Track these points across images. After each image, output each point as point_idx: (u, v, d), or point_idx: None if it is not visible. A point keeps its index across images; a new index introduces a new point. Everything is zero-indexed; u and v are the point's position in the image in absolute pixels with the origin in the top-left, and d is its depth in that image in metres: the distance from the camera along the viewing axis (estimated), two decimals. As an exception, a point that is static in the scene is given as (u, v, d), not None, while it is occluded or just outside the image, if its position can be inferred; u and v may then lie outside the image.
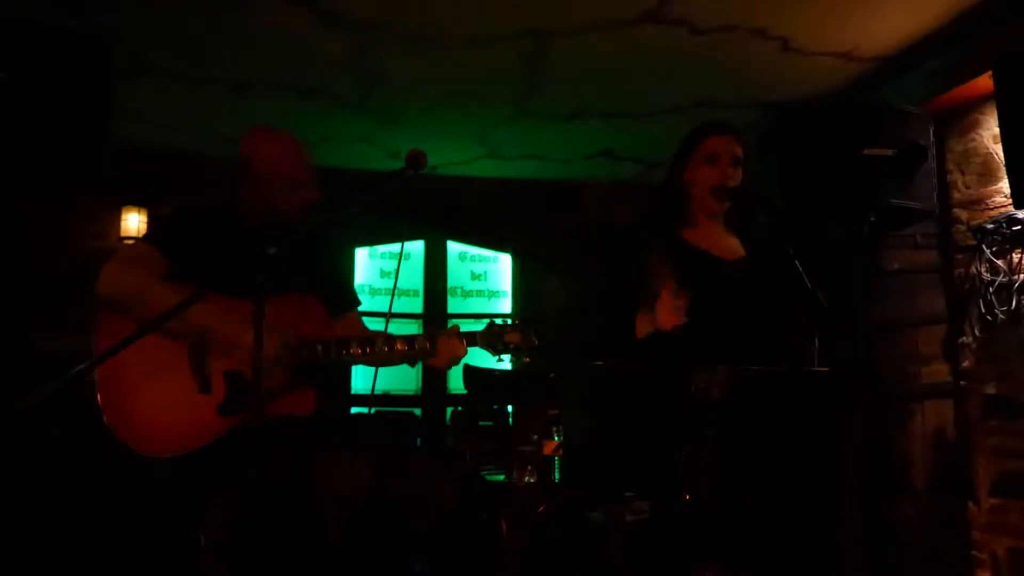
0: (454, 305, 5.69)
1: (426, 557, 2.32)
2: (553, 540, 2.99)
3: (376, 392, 2.54)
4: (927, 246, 3.75)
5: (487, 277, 5.85)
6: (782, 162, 3.25)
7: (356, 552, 2.07)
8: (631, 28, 3.31)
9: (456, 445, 3.99)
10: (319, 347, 2.16)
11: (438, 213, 5.41)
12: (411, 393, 5.40)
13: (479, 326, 2.29)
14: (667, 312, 2.22)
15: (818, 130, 3.14)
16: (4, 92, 2.66)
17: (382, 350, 2.21)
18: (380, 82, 3.90)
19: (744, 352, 2.28)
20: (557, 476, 3.37)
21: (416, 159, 2.16)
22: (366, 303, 5.30)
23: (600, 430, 2.61)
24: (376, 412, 4.65)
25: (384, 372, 2.51)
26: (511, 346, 2.26)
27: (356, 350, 2.19)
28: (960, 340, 3.68)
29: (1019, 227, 3.37)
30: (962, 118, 3.72)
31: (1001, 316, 3.42)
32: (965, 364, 3.65)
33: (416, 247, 5.67)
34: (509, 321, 2.28)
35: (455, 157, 5.06)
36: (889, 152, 2.99)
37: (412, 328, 5.54)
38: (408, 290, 5.58)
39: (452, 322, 5.58)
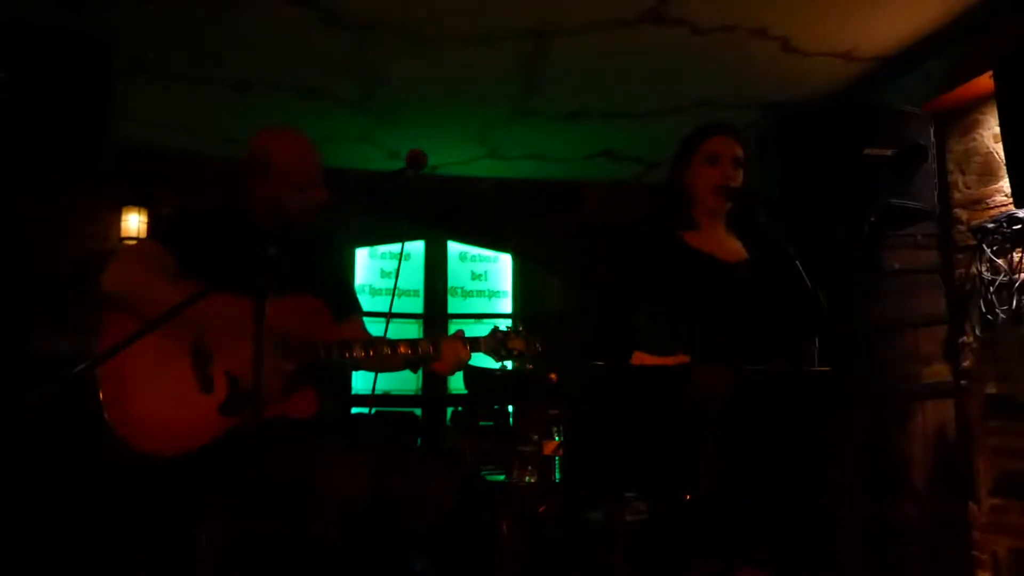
0: (454, 305, 5.69)
1: (426, 557, 2.32)
2: (553, 540, 2.99)
3: (376, 392, 2.53)
4: (928, 246, 3.75)
5: (487, 277, 5.85)
6: (782, 162, 3.24)
7: (356, 552, 2.07)
8: (631, 28, 3.31)
9: (456, 445, 3.99)
10: (322, 349, 2.16)
11: (438, 213, 5.41)
12: (411, 393, 5.40)
13: (480, 326, 2.29)
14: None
15: (818, 130, 3.14)
16: (4, 92, 2.66)
17: (385, 353, 2.20)
18: (380, 82, 3.90)
19: (745, 352, 2.28)
20: (557, 476, 3.37)
21: (416, 159, 2.16)
22: (366, 303, 5.30)
23: (600, 430, 2.60)
24: (376, 412, 4.65)
25: (385, 373, 2.51)
26: (515, 352, 2.26)
27: (359, 352, 2.19)
28: (961, 340, 3.67)
29: (1020, 226, 3.36)
30: (962, 118, 3.72)
31: (1002, 316, 3.41)
32: (966, 364, 3.64)
33: (416, 247, 5.67)
34: (510, 324, 2.28)
35: (455, 157, 5.06)
36: (889, 152, 2.99)
37: (413, 328, 5.54)
38: (408, 290, 5.58)
39: (452, 322, 5.60)
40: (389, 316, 2.51)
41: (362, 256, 5.57)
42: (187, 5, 3.14)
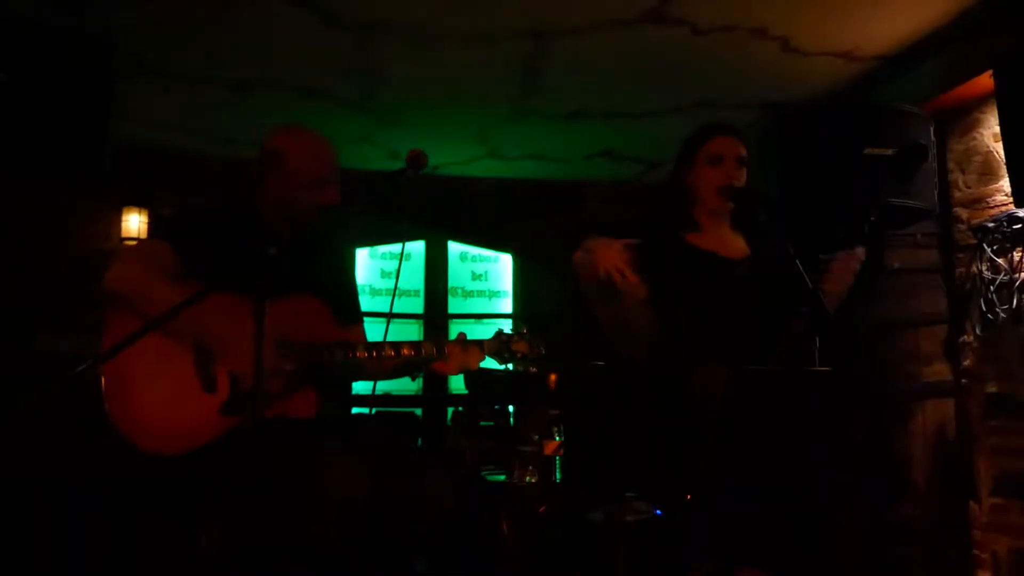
0: (455, 305, 5.69)
1: (427, 557, 2.32)
2: (553, 540, 2.99)
3: (377, 393, 2.53)
4: (928, 245, 3.74)
5: (488, 277, 5.85)
6: (782, 162, 3.24)
7: (356, 552, 2.07)
8: (631, 28, 3.31)
9: (457, 445, 3.99)
10: (324, 350, 2.16)
11: (439, 213, 5.41)
12: (412, 394, 5.40)
13: (480, 326, 2.29)
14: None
15: (818, 130, 3.14)
16: (4, 92, 2.66)
17: (388, 355, 2.20)
18: (380, 82, 3.90)
19: (746, 352, 2.28)
20: (558, 476, 3.37)
21: (417, 159, 2.16)
22: (367, 303, 5.31)
23: (601, 430, 2.61)
24: (377, 412, 4.65)
25: (385, 380, 2.51)
26: (518, 355, 2.25)
27: (362, 354, 2.18)
28: (961, 339, 3.67)
29: (1020, 226, 3.36)
30: (962, 117, 3.72)
31: (1002, 315, 3.41)
32: (966, 363, 3.64)
33: (417, 247, 5.67)
34: (512, 326, 2.28)
35: (456, 157, 5.06)
36: (889, 152, 2.99)
37: (413, 328, 5.54)
38: (409, 290, 5.59)
39: (453, 322, 5.60)
40: (390, 316, 2.50)
41: (362, 256, 5.57)
42: (187, 5, 3.14)
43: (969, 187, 3.70)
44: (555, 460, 3.38)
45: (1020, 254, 3.37)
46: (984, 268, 3.52)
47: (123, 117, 4.00)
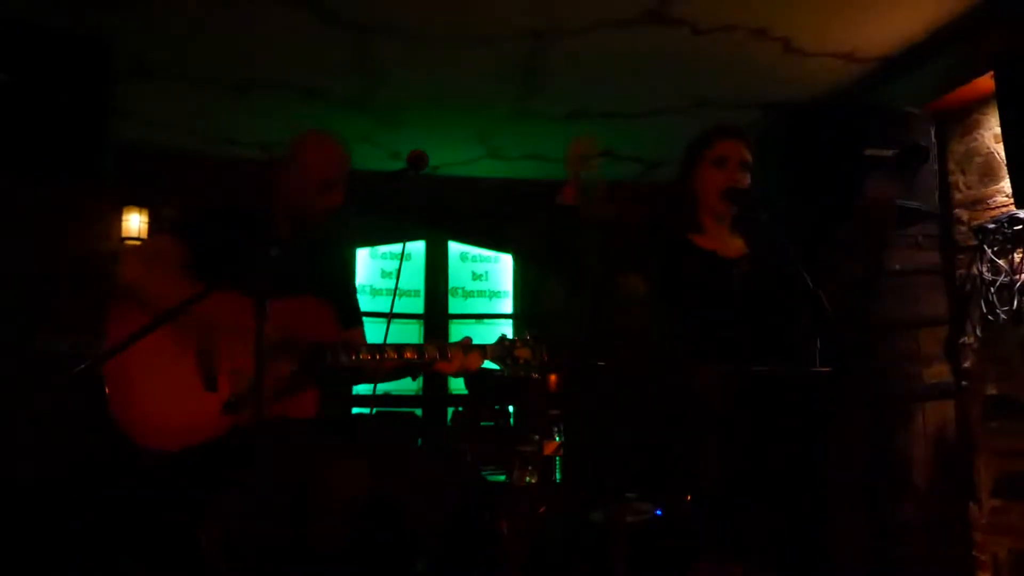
0: (455, 305, 5.68)
1: (427, 558, 2.32)
2: (554, 541, 2.99)
3: (377, 393, 2.53)
4: (928, 246, 3.74)
5: (488, 277, 5.85)
6: (783, 162, 3.24)
7: (357, 552, 2.07)
8: (632, 28, 3.31)
9: (457, 445, 3.99)
10: (327, 350, 2.16)
11: (439, 213, 5.40)
12: (412, 394, 5.40)
13: (481, 326, 2.30)
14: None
15: (819, 131, 3.14)
16: (4, 92, 2.66)
17: (390, 357, 2.20)
18: (381, 82, 3.90)
19: (748, 353, 2.28)
20: (558, 476, 3.37)
21: (417, 160, 2.17)
22: (367, 303, 5.27)
23: (601, 430, 2.61)
24: (377, 412, 4.65)
25: (385, 382, 2.51)
26: (520, 361, 2.25)
27: (365, 355, 2.19)
28: (961, 340, 3.67)
29: (1020, 227, 3.36)
30: (963, 118, 3.71)
31: (1003, 316, 3.41)
32: (967, 364, 3.64)
33: (417, 247, 5.67)
34: (514, 333, 2.28)
35: (456, 157, 5.06)
36: (890, 152, 2.99)
37: (413, 328, 5.54)
38: (409, 290, 5.58)
39: (453, 323, 5.60)
40: (390, 316, 2.51)
41: (363, 256, 5.56)
42: (187, 5, 3.14)
43: (970, 188, 3.70)
44: (555, 460, 3.38)
45: (1021, 255, 3.37)
46: (985, 269, 3.51)
47: (123, 117, 4.01)
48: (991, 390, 3.48)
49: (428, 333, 5.51)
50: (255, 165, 4.91)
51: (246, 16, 3.21)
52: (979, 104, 3.60)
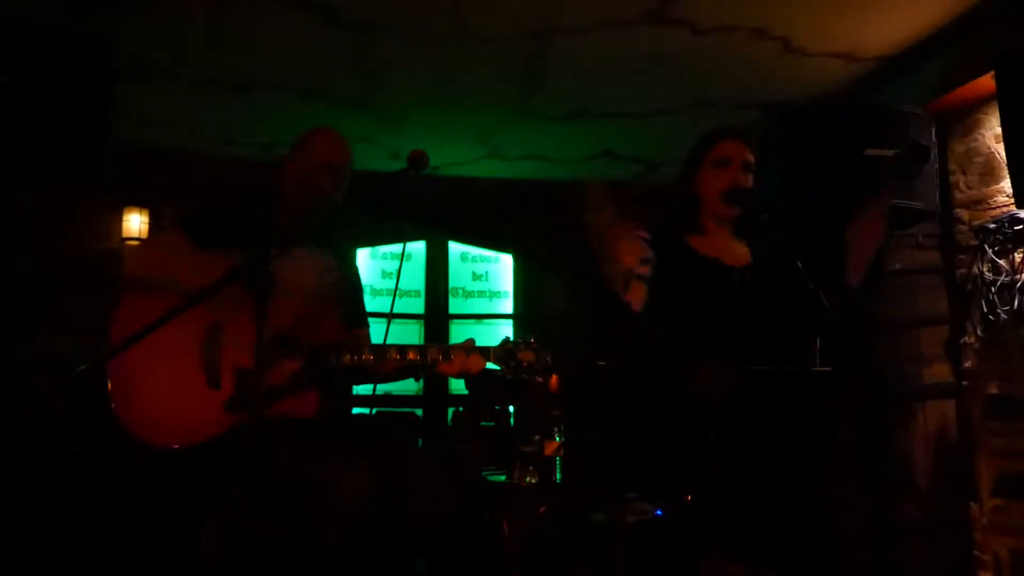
0: (455, 306, 5.68)
1: (427, 558, 2.32)
2: (554, 541, 2.99)
3: (378, 393, 2.54)
4: (929, 246, 3.74)
5: (488, 278, 5.84)
6: (783, 162, 3.24)
7: (357, 552, 2.07)
8: (632, 28, 3.31)
9: (457, 446, 3.98)
10: (331, 351, 2.16)
11: (440, 213, 5.40)
12: (413, 394, 5.40)
13: (481, 327, 2.30)
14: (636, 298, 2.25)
15: (820, 131, 3.13)
16: (4, 92, 2.66)
17: (394, 358, 2.20)
18: (381, 82, 3.90)
19: (748, 354, 2.28)
20: (559, 477, 3.37)
21: (418, 160, 2.18)
22: (367, 304, 5.29)
23: (602, 430, 2.60)
24: (377, 413, 4.65)
25: (388, 383, 2.52)
26: (524, 364, 2.25)
27: (368, 356, 2.19)
28: (962, 340, 3.67)
29: (1021, 227, 3.36)
30: (964, 118, 3.71)
31: (1003, 316, 3.41)
32: (967, 364, 3.64)
33: (418, 247, 5.67)
34: (516, 336, 2.28)
35: (456, 158, 5.06)
36: (891, 152, 2.99)
37: (414, 328, 5.54)
38: (410, 291, 5.58)
39: (453, 323, 5.60)
40: (390, 316, 2.51)
41: (363, 256, 5.56)
42: (187, 5, 3.14)
43: (970, 188, 3.70)
44: (556, 460, 3.38)
45: (1021, 255, 3.37)
46: (985, 269, 3.51)
47: (123, 117, 4.00)
48: (992, 390, 3.48)
49: (428, 333, 5.51)
50: (255, 165, 4.91)
51: (246, 16, 3.21)
52: (980, 104, 3.60)
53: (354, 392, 2.56)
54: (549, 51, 3.54)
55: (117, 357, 2.04)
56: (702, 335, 2.32)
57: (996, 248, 3.48)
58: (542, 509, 3.08)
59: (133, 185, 4.64)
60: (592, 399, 2.77)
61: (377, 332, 2.46)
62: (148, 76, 3.75)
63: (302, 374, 2.14)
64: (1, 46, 2.70)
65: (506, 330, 5.63)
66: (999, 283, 3.44)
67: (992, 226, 3.49)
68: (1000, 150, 3.45)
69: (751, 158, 2.46)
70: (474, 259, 5.84)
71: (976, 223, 3.61)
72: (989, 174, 3.59)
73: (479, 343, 2.27)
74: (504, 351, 2.26)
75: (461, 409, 4.76)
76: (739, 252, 2.49)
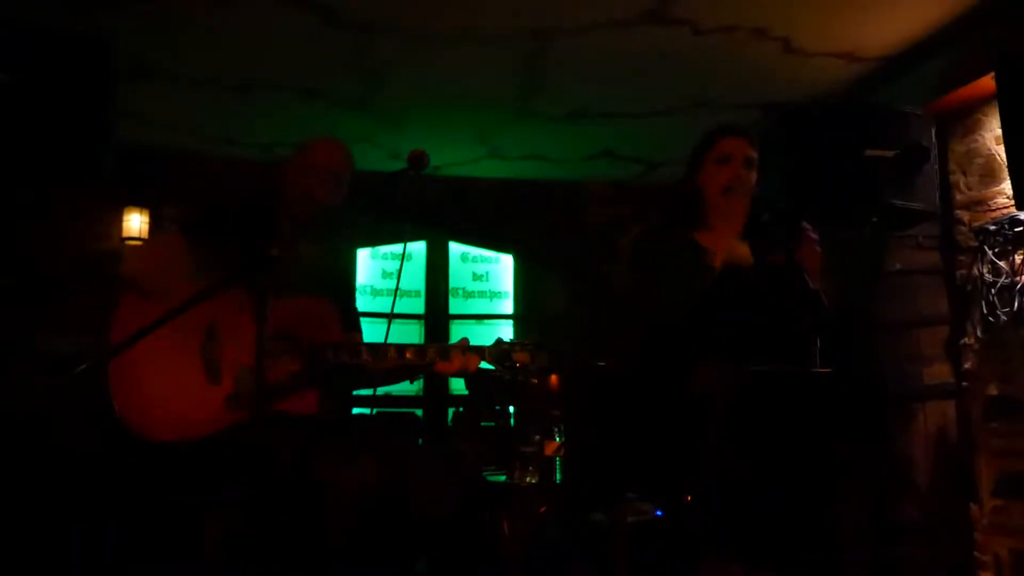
0: (456, 306, 5.68)
1: (428, 558, 2.32)
2: (554, 541, 2.99)
3: (378, 393, 2.55)
4: (929, 247, 3.74)
5: (489, 278, 5.84)
6: (783, 163, 3.24)
7: (358, 552, 2.07)
8: (632, 28, 3.31)
9: (458, 446, 3.98)
10: (329, 350, 2.17)
11: (440, 214, 5.40)
12: (413, 394, 5.40)
13: (482, 327, 2.31)
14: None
15: (820, 131, 3.13)
16: (4, 92, 2.66)
17: (390, 356, 2.21)
18: (381, 82, 3.89)
19: (749, 354, 2.28)
20: (559, 477, 3.37)
21: (418, 160, 2.18)
22: (368, 304, 5.28)
23: (602, 430, 2.60)
24: (378, 412, 4.65)
25: (384, 387, 2.52)
26: (518, 364, 2.26)
27: (367, 355, 2.19)
28: (962, 341, 3.67)
29: (1021, 228, 3.36)
30: (964, 119, 3.71)
31: (1003, 317, 3.41)
32: (967, 365, 3.64)
33: (418, 248, 5.66)
34: (512, 332, 2.29)
35: (456, 158, 5.06)
36: (891, 153, 2.99)
37: (414, 329, 5.54)
38: (410, 291, 5.58)
39: (454, 323, 5.59)
40: (391, 317, 2.51)
41: (363, 256, 5.56)
42: (187, 5, 3.14)
43: (970, 189, 3.70)
44: (556, 460, 3.38)
45: (1021, 257, 3.37)
46: (985, 270, 3.51)
47: (123, 117, 4.00)
48: (992, 391, 3.48)
49: (429, 334, 5.51)
50: (255, 165, 4.91)
51: (246, 16, 3.20)
52: (980, 105, 3.60)
53: (354, 392, 2.57)
54: (549, 51, 3.54)
55: (118, 356, 2.05)
56: (705, 333, 2.33)
57: (996, 249, 3.48)
58: (542, 509, 3.08)
59: (133, 185, 4.64)
60: (592, 399, 2.77)
61: (377, 332, 2.46)
62: (148, 76, 3.75)
63: (301, 373, 2.14)
64: (1, 46, 2.70)
65: (506, 330, 5.63)
66: (999, 284, 3.44)
67: (992, 227, 3.49)
68: (1000, 151, 3.45)
69: (753, 154, 2.47)
70: (474, 259, 5.84)
71: (976, 224, 3.61)
72: (989, 175, 3.59)
73: (480, 344, 2.27)
74: (499, 351, 2.27)
75: (461, 409, 4.76)
76: (743, 252, 2.49)
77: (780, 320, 2.36)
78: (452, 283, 5.69)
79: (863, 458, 3.35)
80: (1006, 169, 3.26)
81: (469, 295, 5.75)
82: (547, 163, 5.17)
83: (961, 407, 3.64)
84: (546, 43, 3.47)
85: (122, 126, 3.80)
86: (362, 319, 2.59)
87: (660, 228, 2.55)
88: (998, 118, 3.20)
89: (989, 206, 3.58)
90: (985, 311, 3.50)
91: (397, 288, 2.78)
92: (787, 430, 2.24)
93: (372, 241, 5.51)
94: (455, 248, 5.76)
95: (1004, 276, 3.42)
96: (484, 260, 5.85)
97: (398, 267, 2.80)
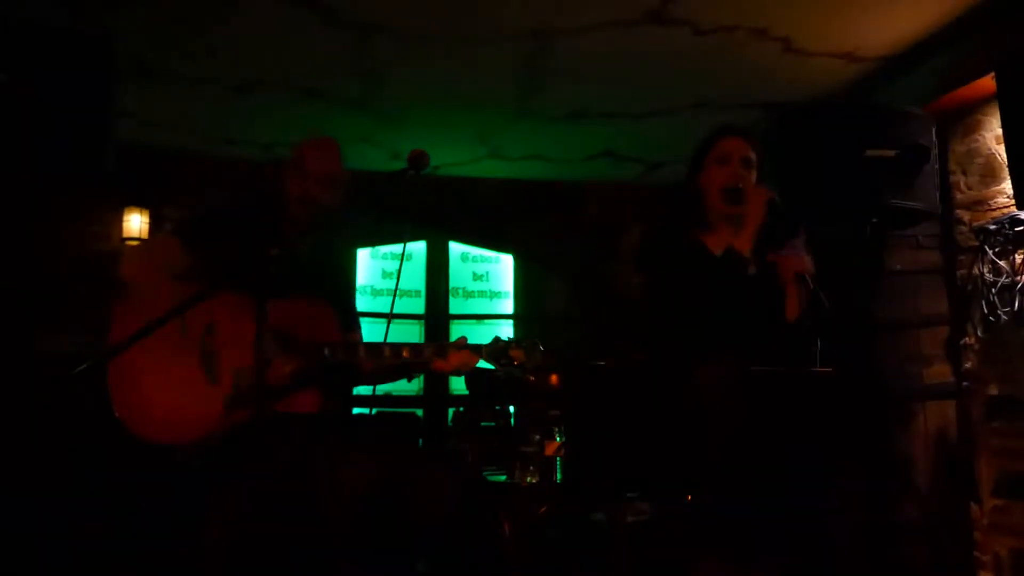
0: (456, 306, 5.68)
1: (428, 558, 2.32)
2: (555, 541, 2.99)
3: (378, 393, 2.55)
4: (929, 247, 3.74)
5: (489, 278, 5.84)
6: (784, 163, 3.24)
7: (358, 552, 2.07)
8: (633, 28, 3.31)
9: (458, 446, 3.98)
10: (327, 350, 2.17)
11: (440, 214, 5.40)
12: (413, 394, 5.40)
13: (482, 327, 2.31)
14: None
15: (820, 131, 3.13)
16: (4, 92, 2.66)
17: (388, 356, 2.21)
18: (381, 82, 3.90)
19: (750, 353, 2.28)
20: (559, 477, 3.37)
21: (418, 160, 2.18)
22: (368, 304, 5.28)
23: (602, 430, 2.60)
24: (378, 413, 4.65)
25: (383, 384, 2.53)
26: (515, 362, 2.26)
27: (364, 354, 2.20)
28: (963, 341, 3.67)
29: (1022, 228, 3.36)
30: (964, 119, 3.71)
31: (1004, 317, 3.41)
32: (968, 365, 3.64)
33: (418, 248, 5.66)
34: (513, 332, 2.29)
35: (457, 158, 5.06)
36: (891, 153, 2.98)
37: (414, 329, 5.54)
38: (410, 291, 5.58)
39: (454, 323, 5.60)
40: (391, 316, 2.51)
41: (364, 256, 5.56)
42: (187, 5, 3.14)
43: (971, 189, 3.70)
44: (556, 460, 3.38)
45: (1022, 256, 3.37)
46: (986, 270, 3.51)
47: (124, 117, 4.00)
48: (992, 390, 3.48)
49: (429, 333, 5.51)
50: (255, 165, 4.91)
51: (246, 16, 3.21)
52: (980, 104, 3.60)
53: (354, 392, 2.57)
54: (549, 51, 3.54)
55: (116, 361, 2.05)
56: (704, 327, 2.33)
57: (997, 249, 3.48)
58: (542, 509, 3.08)
59: (133, 185, 4.64)
60: (592, 399, 2.77)
61: (377, 332, 2.46)
62: (148, 76, 3.75)
63: (299, 372, 2.14)
64: (1, 46, 2.70)
65: (506, 330, 5.63)
66: (999, 284, 3.44)
67: (993, 227, 3.49)
68: (1001, 151, 3.45)
69: (751, 154, 2.48)
70: (474, 259, 5.84)
71: (976, 224, 3.61)
72: (990, 175, 3.59)
73: (476, 343, 2.28)
74: (495, 349, 2.27)
75: (461, 409, 4.76)
76: (743, 247, 2.50)
77: (781, 320, 2.36)
78: (452, 283, 5.70)
79: (863, 458, 3.35)
80: (1006, 168, 3.26)
81: (469, 295, 5.75)
82: (547, 163, 5.17)
83: (961, 407, 3.64)
84: (546, 43, 3.47)
85: (122, 126, 3.80)
86: (362, 319, 2.59)
87: (666, 228, 2.55)
88: (998, 118, 3.21)
89: (989, 206, 3.58)
90: (985, 311, 3.50)
91: (397, 288, 2.78)
92: (787, 430, 2.24)
93: (372, 241, 5.51)
94: (455, 248, 5.76)
95: (1004, 276, 3.42)
96: (484, 260, 5.85)
97: (398, 267, 2.80)
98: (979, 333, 3.56)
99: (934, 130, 3.17)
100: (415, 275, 5.62)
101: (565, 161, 5.14)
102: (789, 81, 3.82)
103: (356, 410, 4.57)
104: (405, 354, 2.22)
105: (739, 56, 3.56)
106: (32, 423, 3.82)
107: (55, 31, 2.81)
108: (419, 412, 5.35)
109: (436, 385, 5.35)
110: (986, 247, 3.52)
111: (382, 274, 5.58)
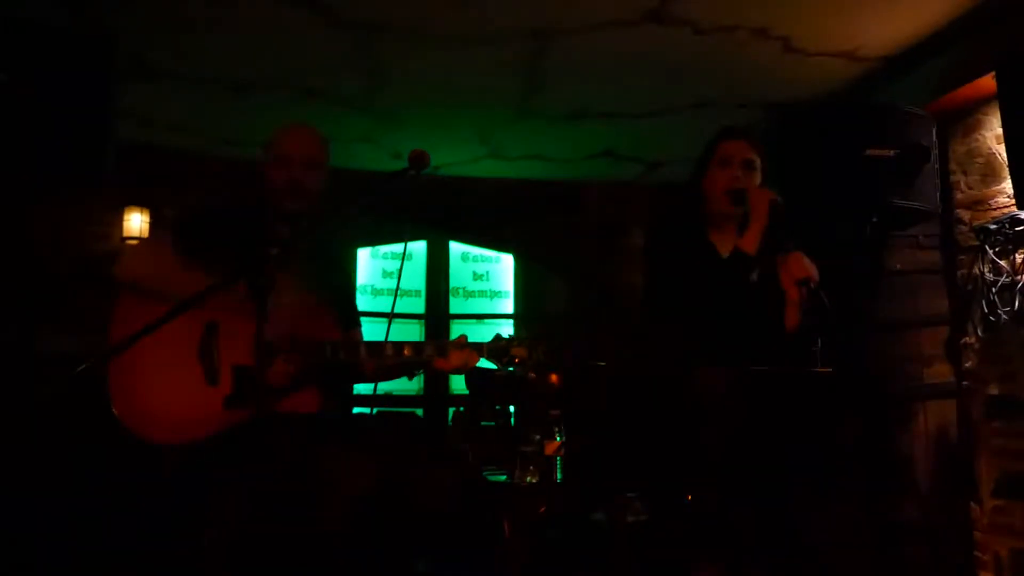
0: (456, 305, 5.68)
1: (428, 557, 2.32)
2: (555, 540, 2.99)
3: (378, 392, 2.55)
4: (930, 246, 3.74)
5: (489, 277, 5.84)
6: (784, 162, 3.24)
7: (358, 552, 2.07)
8: (633, 28, 3.31)
9: (458, 445, 3.98)
10: (327, 348, 2.17)
11: (440, 213, 5.40)
12: (413, 394, 5.40)
13: (482, 327, 2.31)
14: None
15: (821, 130, 3.13)
16: (4, 92, 2.66)
17: (389, 355, 2.21)
18: (381, 82, 3.89)
19: (751, 353, 2.28)
20: (559, 476, 3.37)
21: (418, 159, 2.18)
22: (368, 303, 5.27)
23: (602, 430, 2.60)
24: (378, 412, 4.65)
25: (384, 382, 2.53)
26: (516, 360, 2.26)
27: (364, 353, 2.20)
28: (963, 340, 3.67)
29: (1022, 227, 3.36)
30: (965, 118, 3.71)
31: (1004, 317, 3.41)
32: (968, 365, 3.64)
33: (418, 247, 5.67)
34: (513, 332, 2.29)
35: (457, 157, 5.06)
36: (891, 152, 2.99)
37: (414, 328, 5.54)
38: (410, 290, 5.58)
39: (454, 323, 5.60)
40: (391, 316, 2.51)
41: (364, 256, 5.56)
42: (187, 5, 3.14)
43: (971, 188, 3.70)
44: (556, 460, 3.38)
45: (1022, 256, 3.37)
46: (986, 270, 3.51)
47: (124, 117, 4.00)
48: (992, 390, 3.48)
49: (429, 333, 5.51)
50: (255, 165, 4.91)
51: (246, 16, 3.20)
52: (981, 104, 3.60)
53: (355, 392, 2.57)
54: (549, 51, 3.54)
55: (116, 360, 2.05)
56: (704, 327, 2.33)
57: (997, 249, 3.48)
58: (542, 509, 3.08)
59: (133, 185, 4.64)
60: (592, 399, 2.77)
61: (378, 332, 2.46)
62: (148, 76, 3.75)
63: (299, 372, 2.14)
64: (1, 46, 2.69)
65: (507, 330, 5.62)
66: (1000, 284, 3.44)
67: (993, 227, 3.49)
68: (1001, 151, 3.45)
69: (752, 156, 2.48)
70: (474, 259, 5.84)
71: (977, 224, 3.61)
72: (990, 175, 3.59)
73: (476, 341, 2.28)
74: (496, 347, 2.27)
75: (461, 409, 4.76)
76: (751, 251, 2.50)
77: (782, 321, 2.36)
78: (452, 283, 5.70)
79: (863, 458, 3.34)
80: (1006, 168, 3.26)
81: (469, 295, 5.75)
82: (547, 163, 5.17)
83: (961, 407, 3.64)
84: (546, 43, 3.47)
85: (122, 126, 3.79)
86: (363, 319, 2.59)
87: (675, 223, 2.56)
88: (998, 118, 3.21)
89: (990, 205, 3.58)
90: (986, 310, 3.50)
91: (397, 288, 2.78)
92: (787, 431, 2.24)
93: (372, 241, 5.51)
94: (455, 248, 5.77)
95: (1005, 275, 3.42)
96: (484, 260, 5.85)
97: (398, 267, 2.80)
98: (979, 333, 3.56)
99: (934, 130, 3.17)
100: (415, 275, 5.62)
101: (565, 161, 5.14)
102: (789, 81, 3.82)
103: (356, 410, 4.57)
104: (407, 352, 2.22)
105: (739, 56, 3.56)
106: (32, 423, 3.82)
107: (55, 31, 2.80)
108: (419, 412, 5.35)
109: (436, 384, 5.35)
110: (986, 247, 3.52)
111: (382, 274, 5.58)
